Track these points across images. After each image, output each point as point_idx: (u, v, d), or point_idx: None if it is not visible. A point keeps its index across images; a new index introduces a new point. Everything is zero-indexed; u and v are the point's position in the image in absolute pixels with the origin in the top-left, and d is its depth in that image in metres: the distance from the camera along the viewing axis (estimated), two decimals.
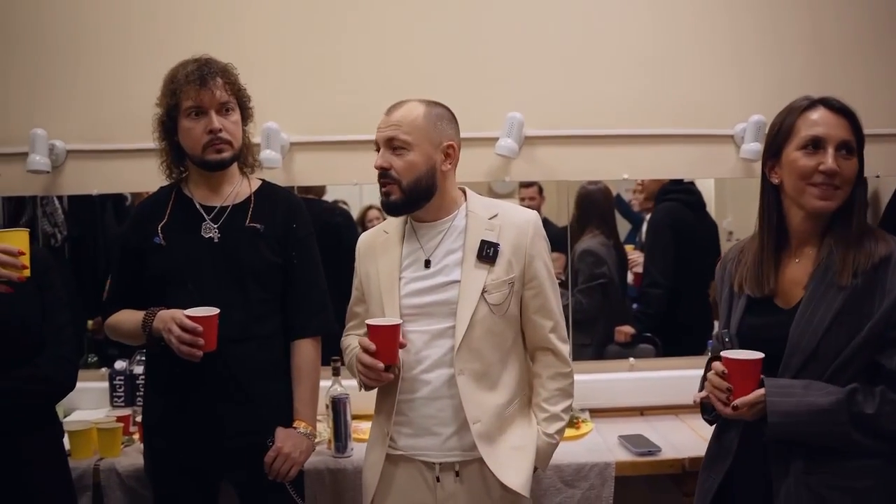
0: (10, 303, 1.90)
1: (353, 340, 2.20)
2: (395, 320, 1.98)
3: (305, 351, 2.28)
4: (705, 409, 1.94)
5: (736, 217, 3.51)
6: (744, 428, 1.81)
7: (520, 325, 2.10)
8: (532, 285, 2.07)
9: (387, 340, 1.95)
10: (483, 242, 2.03)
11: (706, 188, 3.35)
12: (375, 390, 2.12)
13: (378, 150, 2.06)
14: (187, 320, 2.03)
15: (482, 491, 2.02)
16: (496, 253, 2.03)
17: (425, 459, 2.05)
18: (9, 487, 1.89)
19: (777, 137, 1.83)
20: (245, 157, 2.32)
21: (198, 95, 2.16)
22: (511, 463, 2.01)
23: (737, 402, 1.71)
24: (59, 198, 3.14)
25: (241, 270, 2.20)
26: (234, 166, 2.28)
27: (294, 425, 2.23)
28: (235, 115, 2.23)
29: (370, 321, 1.98)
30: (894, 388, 1.66)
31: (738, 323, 1.85)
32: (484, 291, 2.01)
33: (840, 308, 1.69)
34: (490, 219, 2.07)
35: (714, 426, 1.96)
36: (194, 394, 2.18)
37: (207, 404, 2.18)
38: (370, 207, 3.48)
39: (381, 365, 1.95)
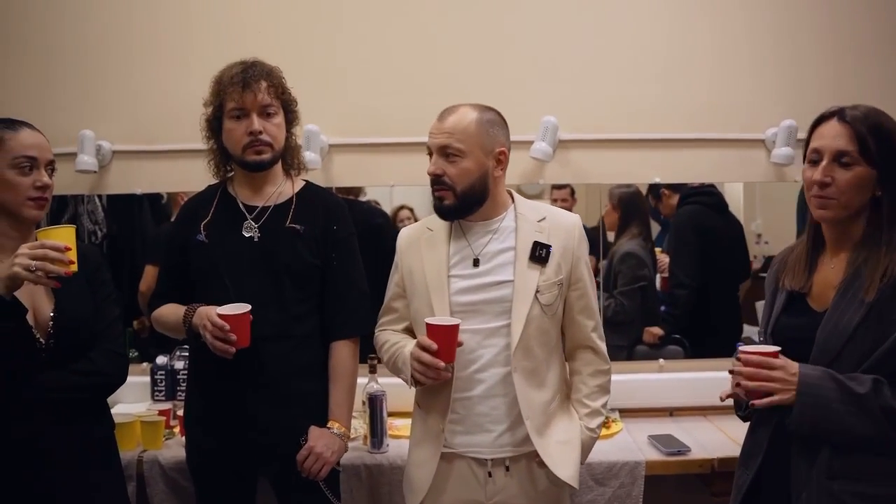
0: (66, 298, 1.98)
1: (391, 336, 2.23)
2: (455, 320, 2.00)
3: (343, 352, 2.30)
4: (738, 405, 1.98)
5: (765, 220, 3.53)
6: (775, 425, 1.84)
7: (561, 324, 2.16)
8: (578, 286, 2.14)
9: (447, 339, 1.98)
10: (536, 244, 2.08)
11: (735, 191, 3.37)
12: (414, 389, 2.16)
13: (430, 154, 2.10)
14: (216, 318, 2.09)
15: (529, 484, 2.08)
16: (549, 254, 2.08)
17: (477, 456, 2.08)
18: (68, 479, 1.95)
19: (804, 150, 1.88)
20: (290, 158, 2.35)
21: (240, 97, 2.20)
22: (560, 456, 2.07)
23: (778, 362, 1.74)
24: (99, 196, 3.22)
25: (279, 270, 2.24)
26: (279, 167, 2.32)
27: (328, 425, 2.26)
28: (278, 118, 2.26)
29: (431, 320, 2.00)
30: None
31: (775, 322, 1.89)
32: (537, 292, 2.06)
33: (865, 315, 1.71)
34: (539, 221, 2.12)
35: (749, 423, 1.99)
36: (230, 390, 2.22)
37: (242, 401, 2.22)
38: (402, 207, 3.52)
39: (442, 364, 1.97)
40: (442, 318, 2.02)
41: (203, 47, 3.01)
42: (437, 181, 2.07)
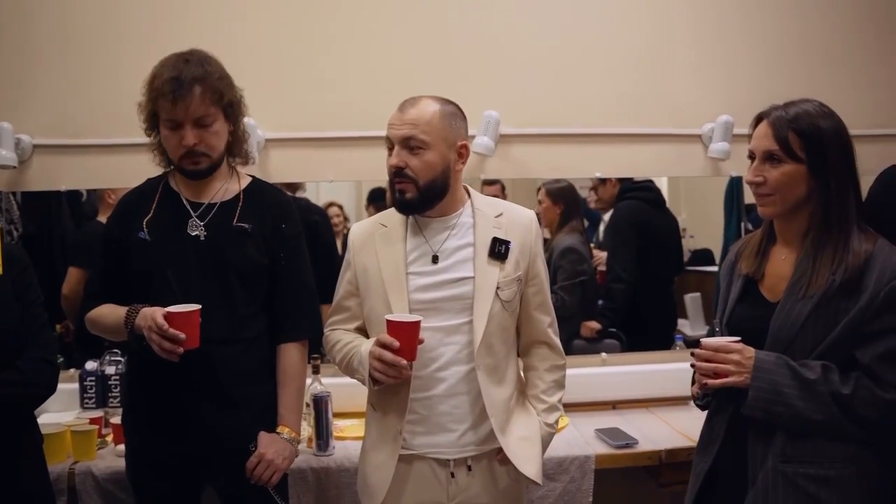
0: None
1: (343, 335, 2.16)
2: (416, 317, 1.94)
3: (292, 355, 2.24)
4: (696, 395, 2.02)
5: (689, 214, 3.63)
6: (732, 412, 1.88)
7: (517, 320, 2.14)
8: (534, 282, 2.12)
9: (409, 337, 1.92)
10: (495, 240, 2.05)
11: (660, 186, 3.45)
12: (366, 390, 2.09)
13: (390, 147, 2.03)
14: (161, 319, 1.98)
15: (491, 482, 2.06)
16: (507, 251, 2.05)
17: (439, 457, 2.04)
18: None
19: None
20: (236, 151, 2.26)
21: (172, 109, 2.08)
22: (523, 453, 2.04)
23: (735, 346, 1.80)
24: (13, 194, 3.03)
25: (227, 270, 2.16)
26: (224, 163, 2.23)
27: (278, 430, 2.19)
28: (216, 125, 2.14)
29: (392, 317, 1.94)
30: (868, 379, 1.74)
31: (731, 311, 1.94)
32: (497, 288, 2.03)
33: (814, 307, 1.77)
34: (496, 217, 2.09)
35: (706, 412, 2.03)
36: (176, 394, 2.13)
37: (189, 406, 2.13)
38: (331, 204, 3.48)
39: (405, 362, 1.92)
40: (403, 315, 1.97)
41: (135, 36, 2.87)
42: (398, 174, 2.00)
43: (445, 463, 2.04)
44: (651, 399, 3.08)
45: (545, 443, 2.13)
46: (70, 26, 2.96)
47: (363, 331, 2.16)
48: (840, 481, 1.75)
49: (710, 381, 1.81)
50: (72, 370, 2.98)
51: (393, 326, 1.93)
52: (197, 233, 2.17)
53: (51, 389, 2.01)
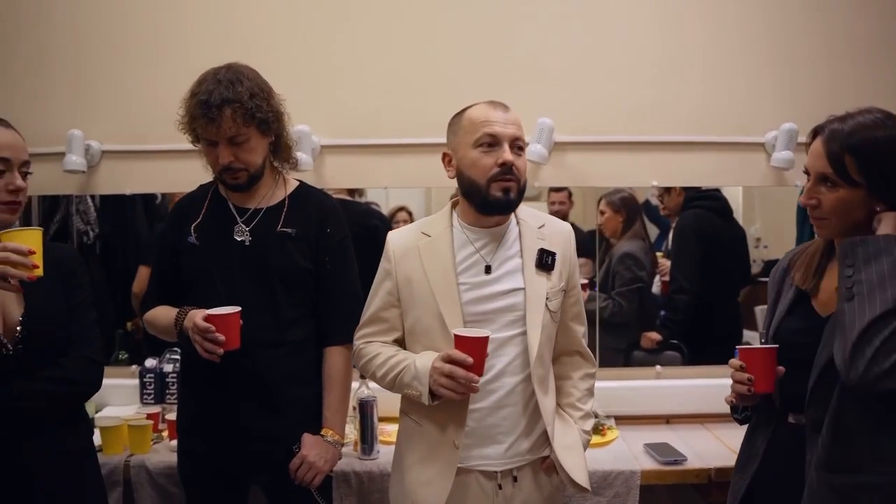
0: (36, 302, 1.91)
1: (382, 349, 2.09)
2: (485, 332, 1.90)
3: (336, 358, 2.26)
4: (735, 409, 1.98)
5: (764, 224, 3.50)
6: (773, 431, 1.83)
7: None
8: (573, 293, 2.12)
9: (481, 353, 1.88)
10: (542, 251, 2.04)
11: (733, 195, 3.34)
12: (400, 396, 2.09)
13: (489, 144, 1.98)
14: (200, 320, 2.04)
15: (536, 491, 2.05)
16: (554, 262, 2.05)
17: (486, 469, 2.02)
18: (43, 485, 1.89)
19: None
20: (281, 158, 2.30)
21: (205, 130, 2.13)
22: (570, 461, 2.04)
23: None
24: (92, 196, 3.19)
25: (271, 275, 2.20)
26: (267, 169, 2.27)
27: (322, 433, 2.22)
28: (250, 142, 2.17)
29: (462, 332, 1.89)
30: None
31: (777, 324, 1.87)
32: (546, 299, 2.02)
33: None
34: (539, 227, 2.09)
35: (746, 429, 1.98)
36: (222, 396, 2.19)
37: (234, 407, 2.19)
38: (400, 209, 3.49)
39: (478, 379, 1.89)
40: (472, 330, 1.92)
41: (195, 47, 2.97)
42: (508, 171, 1.97)
43: (492, 475, 2.02)
44: (706, 414, 2.98)
45: (584, 450, 2.11)
46: (134, 40, 3.10)
47: (400, 343, 2.13)
48: (891, 489, 1.63)
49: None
50: (133, 367, 3.11)
51: (464, 342, 1.88)
52: (242, 238, 2.22)
53: (94, 386, 2.03)
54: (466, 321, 1.98)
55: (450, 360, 1.89)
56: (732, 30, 3.06)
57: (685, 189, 3.29)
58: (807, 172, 1.77)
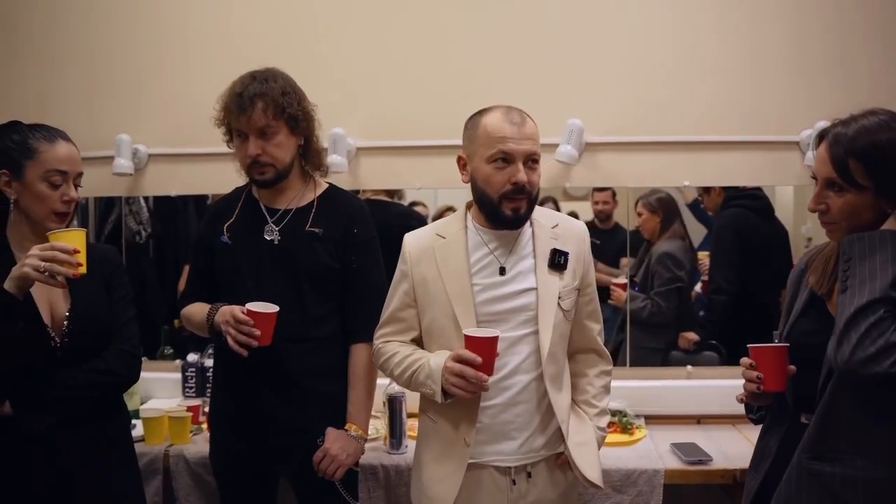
0: (81, 298, 2.05)
1: (400, 348, 2.14)
2: (495, 332, 1.94)
3: (361, 355, 2.32)
4: (749, 408, 1.99)
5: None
6: (785, 431, 1.83)
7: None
8: (587, 292, 2.14)
9: (490, 352, 1.92)
10: (554, 251, 2.07)
11: (786, 194, 3.28)
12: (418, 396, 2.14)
13: (503, 161, 2.00)
14: (240, 313, 2.13)
15: (550, 487, 2.08)
16: (566, 261, 2.07)
17: (500, 465, 2.05)
18: (82, 475, 2.02)
19: None
20: (312, 162, 2.38)
21: (237, 121, 2.25)
22: (584, 458, 2.06)
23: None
24: (145, 197, 3.33)
25: (298, 273, 2.28)
26: (297, 172, 2.35)
27: (345, 427, 2.29)
28: (279, 137, 2.26)
29: (470, 332, 1.94)
30: None
31: (791, 325, 1.88)
32: (559, 298, 2.05)
33: None
34: (552, 227, 2.11)
35: (760, 428, 1.98)
36: (250, 390, 2.28)
37: (262, 401, 2.27)
38: (449, 209, 3.51)
39: (488, 378, 1.93)
40: (482, 330, 1.96)
41: (234, 52, 3.08)
42: (520, 190, 2.00)
43: (506, 471, 2.05)
44: (738, 416, 2.87)
45: (598, 447, 2.13)
46: (178, 48, 3.24)
47: (418, 342, 2.18)
48: (868, 485, 1.65)
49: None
50: (177, 361, 3.23)
51: (473, 342, 1.92)
52: (272, 237, 2.30)
53: (133, 378, 2.16)
54: (480, 321, 2.02)
55: (460, 360, 1.93)
56: (766, 28, 3.03)
57: (725, 188, 3.25)
58: (814, 178, 1.77)
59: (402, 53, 3.14)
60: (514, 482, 2.05)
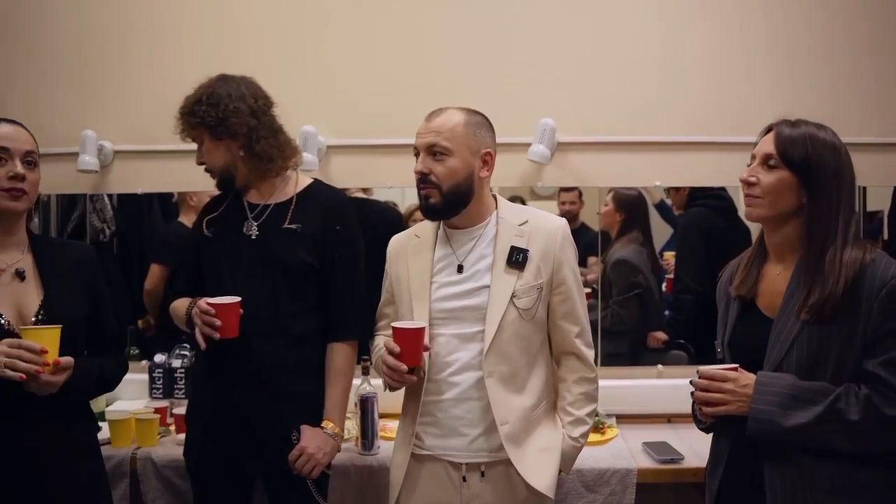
0: (55, 297, 2.02)
1: (380, 341, 2.25)
2: (420, 323, 2.02)
3: (339, 354, 2.33)
4: (697, 418, 2.01)
5: None
6: (735, 435, 1.86)
7: (547, 329, 2.15)
8: (559, 291, 2.12)
9: (411, 343, 2.00)
10: (513, 248, 2.08)
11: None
12: (403, 392, 2.17)
13: (417, 155, 2.11)
14: (203, 303, 2.15)
15: (507, 491, 2.07)
16: (525, 259, 2.08)
17: (452, 460, 2.10)
18: (51, 473, 1.97)
19: None
20: (278, 159, 2.34)
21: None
22: (537, 464, 2.06)
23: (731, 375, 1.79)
24: (109, 195, 3.26)
25: (274, 268, 2.27)
26: (254, 171, 2.33)
27: (322, 425, 2.28)
28: (205, 145, 2.31)
29: (395, 324, 2.02)
30: (875, 389, 1.70)
31: (731, 332, 1.93)
32: (513, 296, 2.05)
33: (810, 319, 1.75)
34: (520, 225, 2.12)
35: (711, 434, 2.01)
36: (225, 384, 2.27)
37: (234, 397, 2.26)
38: (418, 208, 3.50)
39: (404, 367, 2.00)
40: (406, 322, 2.05)
41: (200, 49, 3.05)
42: (423, 179, 2.08)
43: (458, 466, 2.09)
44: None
45: (568, 456, 2.12)
46: (144, 43, 3.19)
47: None
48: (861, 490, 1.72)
49: (705, 410, 1.83)
50: (144, 362, 3.17)
51: (396, 333, 2.01)
52: (251, 232, 2.31)
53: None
54: (434, 317, 2.09)
55: (387, 350, 2.02)
56: (734, 30, 3.07)
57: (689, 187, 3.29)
58: (753, 158, 1.89)
59: (373, 52, 3.12)
60: (464, 479, 2.08)
